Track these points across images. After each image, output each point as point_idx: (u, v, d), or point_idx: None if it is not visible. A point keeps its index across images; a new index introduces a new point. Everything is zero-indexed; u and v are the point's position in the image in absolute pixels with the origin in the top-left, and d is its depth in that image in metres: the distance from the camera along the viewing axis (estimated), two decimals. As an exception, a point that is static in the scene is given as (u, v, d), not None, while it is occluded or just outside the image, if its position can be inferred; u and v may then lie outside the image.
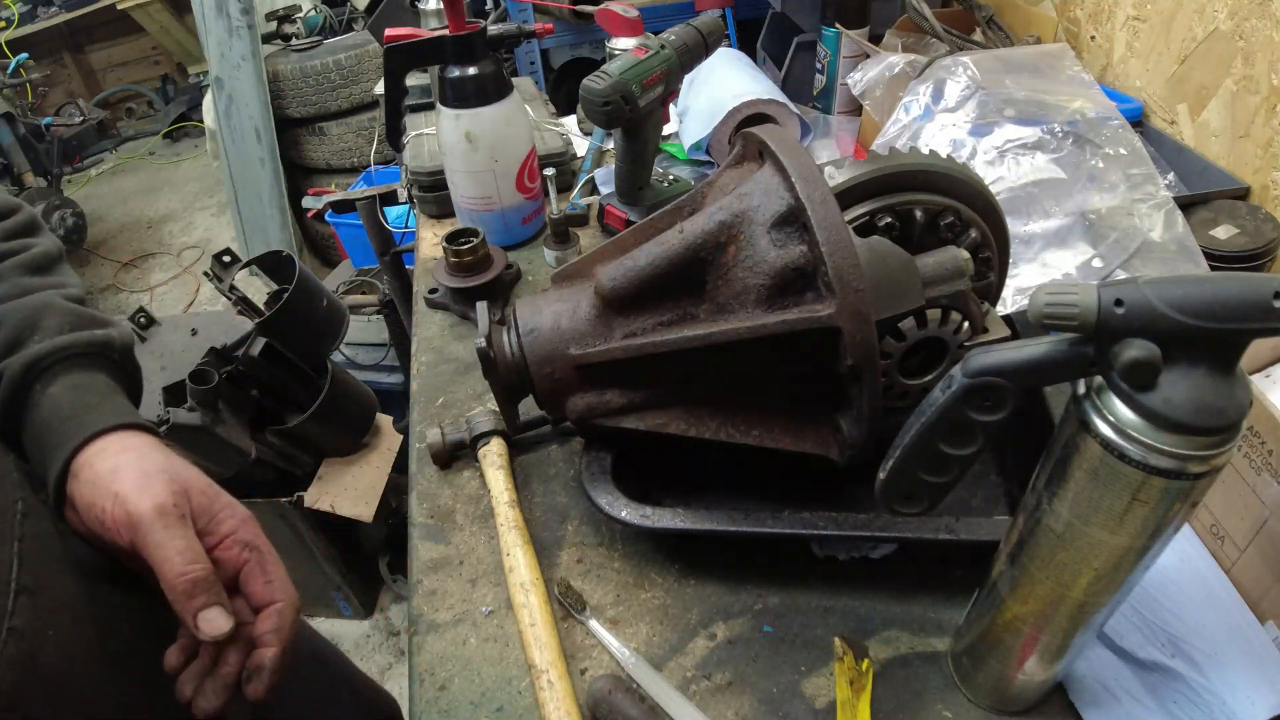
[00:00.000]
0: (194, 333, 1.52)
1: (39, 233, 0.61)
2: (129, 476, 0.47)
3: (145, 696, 0.50)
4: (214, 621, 0.45)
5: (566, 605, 0.63)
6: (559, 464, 0.76)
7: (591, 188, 1.19)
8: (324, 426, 1.48)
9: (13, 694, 0.41)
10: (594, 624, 0.62)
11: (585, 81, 0.90)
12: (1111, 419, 0.37)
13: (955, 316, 0.59)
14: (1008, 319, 0.73)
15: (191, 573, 0.45)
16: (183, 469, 0.50)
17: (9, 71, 3.36)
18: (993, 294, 0.69)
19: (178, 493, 0.48)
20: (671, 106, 1.19)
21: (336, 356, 1.54)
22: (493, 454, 0.74)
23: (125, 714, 0.49)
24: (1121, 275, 0.81)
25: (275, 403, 1.38)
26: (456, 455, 0.77)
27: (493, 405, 0.81)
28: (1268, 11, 0.84)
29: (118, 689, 0.49)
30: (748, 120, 1.14)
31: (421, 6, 1.36)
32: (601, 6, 1.20)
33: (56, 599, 0.45)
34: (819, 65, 1.33)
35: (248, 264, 1.35)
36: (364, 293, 2.32)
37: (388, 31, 1.09)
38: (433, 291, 0.99)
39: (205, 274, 1.37)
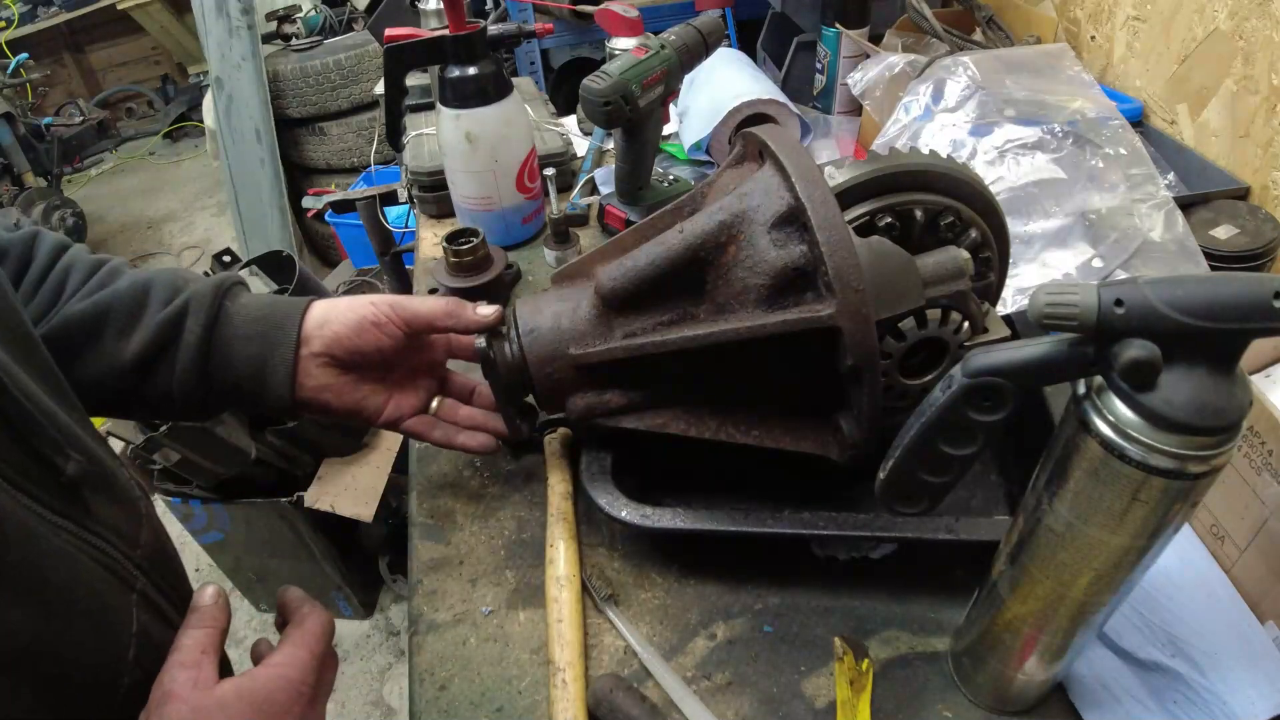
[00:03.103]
0: (194, 333, 1.52)
1: (42, 242, 0.62)
2: (371, 296, 0.63)
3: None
4: (484, 308, 0.65)
5: (592, 590, 0.63)
6: (559, 464, 0.76)
7: (591, 188, 1.19)
8: (324, 426, 1.48)
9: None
10: (612, 613, 0.62)
11: (585, 81, 0.90)
12: (1111, 419, 0.37)
13: (955, 316, 0.59)
14: (1008, 319, 0.73)
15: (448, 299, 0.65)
16: None
17: (9, 71, 3.36)
18: (993, 294, 0.69)
19: None
20: (671, 106, 1.19)
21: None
22: (556, 442, 0.74)
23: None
24: (1121, 275, 0.81)
25: (275, 403, 1.38)
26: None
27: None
28: (1268, 11, 0.84)
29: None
30: (748, 120, 1.14)
31: (421, 6, 1.35)
32: (601, 6, 1.20)
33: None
34: (819, 65, 1.33)
35: (248, 264, 1.35)
36: (364, 293, 2.33)
37: (388, 31, 1.09)
38: (433, 291, 0.99)
39: (205, 274, 1.37)
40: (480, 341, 0.64)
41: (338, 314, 0.61)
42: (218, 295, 0.60)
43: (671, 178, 1.09)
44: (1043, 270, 0.82)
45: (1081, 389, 0.39)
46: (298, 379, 0.60)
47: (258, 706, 0.44)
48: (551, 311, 0.66)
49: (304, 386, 0.61)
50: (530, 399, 0.68)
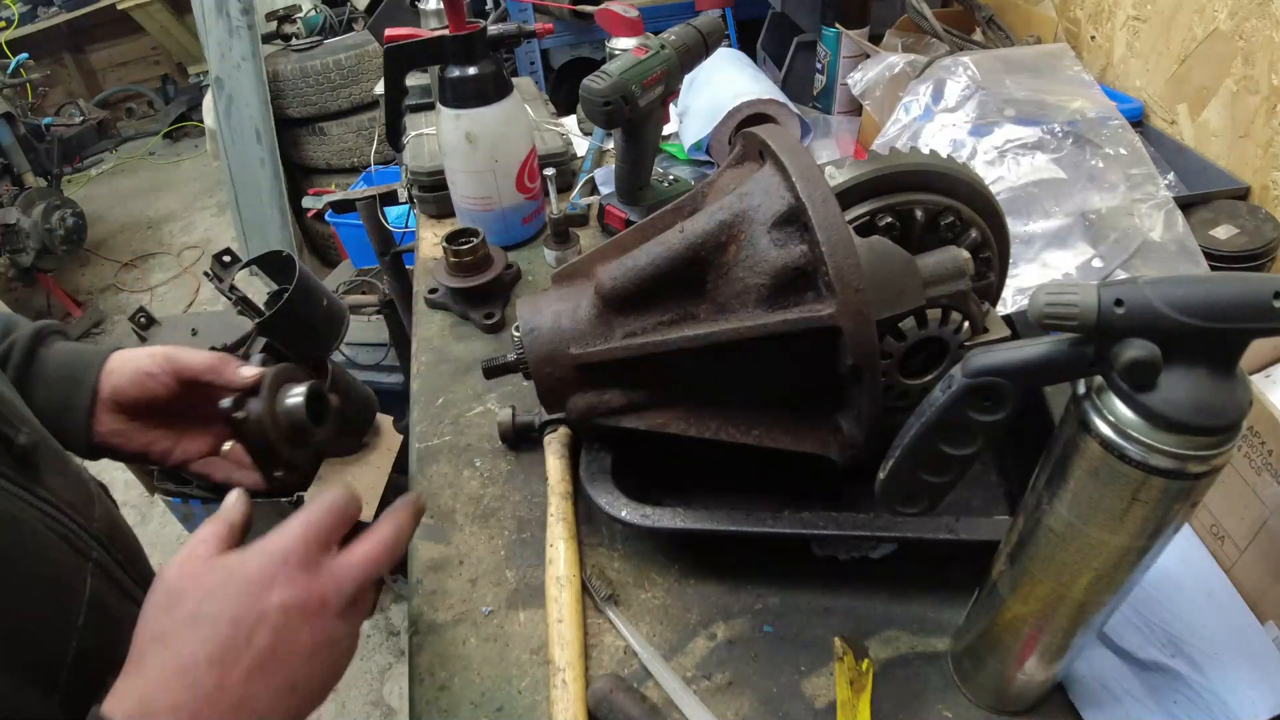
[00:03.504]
0: (194, 333, 1.52)
1: None
2: (152, 348, 0.66)
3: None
4: (247, 369, 0.65)
5: (592, 590, 0.63)
6: (559, 464, 0.76)
7: (591, 188, 1.19)
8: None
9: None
10: (612, 613, 0.62)
11: (585, 81, 0.90)
12: (1111, 419, 0.37)
13: (955, 316, 0.59)
14: (1008, 319, 0.73)
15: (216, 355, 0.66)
16: None
17: (9, 71, 3.36)
18: (993, 294, 0.69)
19: None
20: (671, 106, 1.19)
21: (336, 356, 1.54)
22: (557, 442, 0.74)
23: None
24: (1121, 275, 0.81)
25: (275, 403, 1.38)
26: (525, 437, 0.77)
27: (503, 406, 0.81)
28: (1268, 11, 0.84)
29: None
30: (748, 120, 1.14)
31: (421, 6, 1.35)
32: (601, 6, 1.20)
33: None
34: (819, 65, 1.33)
35: (248, 264, 1.34)
36: (364, 293, 2.32)
37: (388, 31, 1.09)
38: (433, 291, 0.99)
39: (205, 274, 1.36)
40: (225, 402, 0.61)
41: (121, 364, 0.64)
42: (34, 342, 0.63)
43: (671, 178, 1.09)
44: (1043, 270, 0.82)
45: (1081, 389, 0.39)
46: (94, 426, 0.63)
47: (230, 573, 0.44)
48: (552, 311, 0.66)
49: (97, 432, 0.63)
50: (287, 455, 0.64)
